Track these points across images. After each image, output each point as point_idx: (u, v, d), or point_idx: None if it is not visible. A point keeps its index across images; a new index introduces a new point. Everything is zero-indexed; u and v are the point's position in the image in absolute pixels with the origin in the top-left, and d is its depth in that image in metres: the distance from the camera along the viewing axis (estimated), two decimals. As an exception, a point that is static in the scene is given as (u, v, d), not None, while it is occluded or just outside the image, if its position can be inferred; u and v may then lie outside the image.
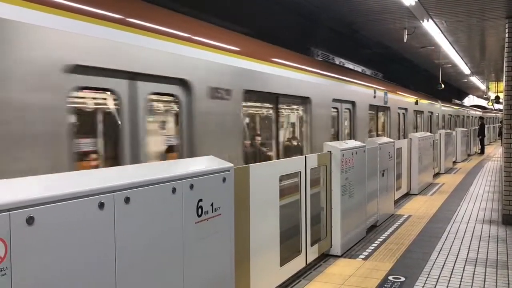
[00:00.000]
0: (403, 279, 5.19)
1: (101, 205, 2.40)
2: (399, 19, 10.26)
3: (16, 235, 1.99)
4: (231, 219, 3.61)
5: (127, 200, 2.57)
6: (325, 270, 5.51)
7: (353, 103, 9.46)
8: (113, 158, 3.92)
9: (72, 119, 3.50)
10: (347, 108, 9.37)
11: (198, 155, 4.46)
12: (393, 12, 9.58)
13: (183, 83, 4.50)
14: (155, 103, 4.52)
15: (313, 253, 5.60)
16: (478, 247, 6.46)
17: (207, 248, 3.30)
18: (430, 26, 10.42)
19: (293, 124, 7.94)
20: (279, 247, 4.72)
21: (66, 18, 3.37)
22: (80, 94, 3.67)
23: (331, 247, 6.09)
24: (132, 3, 4.31)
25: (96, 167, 3.80)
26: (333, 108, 8.59)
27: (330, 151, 6.04)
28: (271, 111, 6.88)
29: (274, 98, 6.65)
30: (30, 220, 2.05)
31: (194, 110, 4.57)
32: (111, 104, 3.99)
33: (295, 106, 7.61)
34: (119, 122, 3.91)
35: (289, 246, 5.11)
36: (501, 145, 10.03)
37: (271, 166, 4.78)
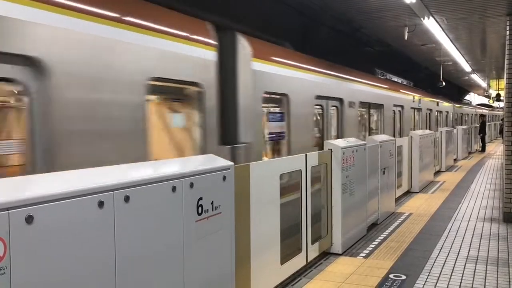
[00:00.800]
0: (404, 277, 5.18)
1: (101, 204, 2.40)
2: (400, 16, 10.23)
3: (15, 234, 1.99)
4: (232, 218, 3.60)
5: (126, 199, 2.56)
6: (326, 268, 5.50)
7: (401, 107, 12.96)
8: None
9: None
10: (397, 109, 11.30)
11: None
12: (394, 9, 9.54)
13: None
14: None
15: (313, 251, 5.59)
16: (479, 245, 6.45)
17: (207, 246, 3.30)
18: (430, 24, 10.39)
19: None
20: (280, 245, 4.72)
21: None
22: None
23: (331, 245, 6.08)
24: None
25: None
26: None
27: (331, 149, 6.03)
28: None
29: None
30: (29, 219, 2.04)
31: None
32: None
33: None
34: None
35: (289, 244, 5.10)
36: (502, 143, 10.02)
37: (271, 164, 4.77)
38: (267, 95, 5.81)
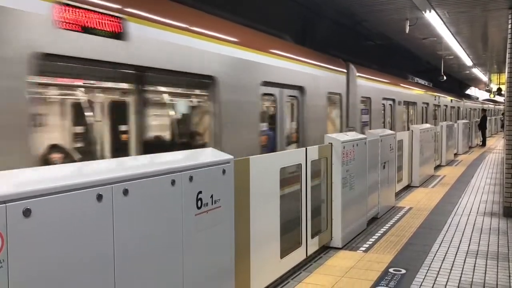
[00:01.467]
0: (403, 271, 5.18)
1: (99, 197, 2.38)
2: (401, 9, 10.18)
3: (12, 227, 1.97)
4: (231, 211, 3.59)
5: (125, 192, 2.54)
6: (326, 262, 5.50)
7: (427, 104, 16.97)
8: None
9: None
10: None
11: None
12: (395, 2, 9.50)
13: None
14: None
15: (313, 245, 5.59)
16: (479, 240, 6.45)
17: (207, 240, 3.29)
18: (432, 17, 10.34)
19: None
20: (280, 239, 4.71)
21: None
22: None
23: (331, 239, 6.08)
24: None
25: None
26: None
27: (331, 143, 6.01)
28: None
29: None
30: (27, 212, 2.03)
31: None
32: None
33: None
34: None
35: (289, 238, 5.10)
36: (503, 137, 10.01)
37: (271, 158, 4.75)
38: (363, 98, 10.24)
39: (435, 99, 18.81)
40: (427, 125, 12.91)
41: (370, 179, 7.28)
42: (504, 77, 9.86)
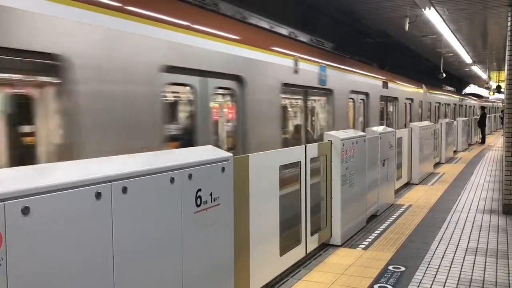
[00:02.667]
0: (403, 268, 5.18)
1: (98, 195, 2.37)
2: (401, 7, 10.17)
3: (11, 225, 1.97)
4: (231, 209, 3.59)
5: (124, 190, 2.54)
6: (325, 260, 5.50)
7: (454, 104, 24.16)
8: None
9: None
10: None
11: None
12: (394, 0, 9.48)
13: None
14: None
15: (313, 243, 5.59)
16: (479, 237, 6.45)
17: (206, 238, 3.28)
18: (432, 15, 10.32)
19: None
20: (279, 236, 4.71)
21: None
22: None
23: (331, 236, 6.08)
24: None
25: None
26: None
27: (331, 141, 6.01)
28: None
29: None
30: (25, 210, 2.02)
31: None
32: None
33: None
34: None
35: (288, 236, 5.10)
36: (502, 135, 10.01)
37: (271, 156, 4.75)
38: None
39: (459, 100, 25.62)
40: (427, 123, 12.92)
41: (370, 176, 7.28)
42: (504, 74, 9.85)
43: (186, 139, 4.96)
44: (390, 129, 8.82)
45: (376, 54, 14.25)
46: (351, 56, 10.99)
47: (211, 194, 3.31)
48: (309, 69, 7.53)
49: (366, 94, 10.69)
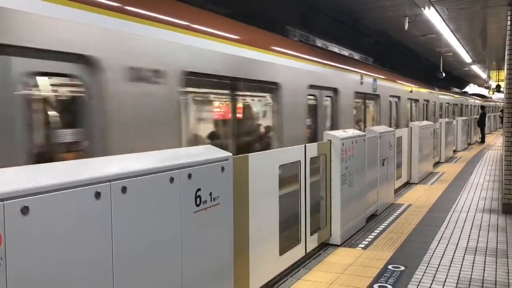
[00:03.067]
0: (402, 268, 5.18)
1: (98, 195, 2.37)
2: (400, 6, 10.17)
3: (10, 225, 1.97)
4: (230, 209, 3.59)
5: (124, 189, 2.53)
6: (325, 259, 5.50)
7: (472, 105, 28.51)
8: None
9: None
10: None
11: None
12: (394, -1, 9.49)
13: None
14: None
15: (312, 242, 5.59)
16: (478, 236, 6.46)
17: (205, 238, 3.28)
18: (431, 14, 10.32)
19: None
20: (279, 236, 4.71)
21: None
22: None
23: (330, 236, 6.08)
24: None
25: None
26: None
27: (330, 140, 6.01)
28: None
29: None
30: (25, 210, 2.02)
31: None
32: None
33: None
34: None
35: (288, 235, 5.10)
36: (502, 134, 10.01)
37: (270, 155, 4.75)
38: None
39: (474, 101, 32.07)
40: (427, 122, 12.93)
41: (369, 176, 7.28)
42: (503, 74, 9.86)
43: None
44: (389, 128, 8.83)
45: (375, 53, 14.24)
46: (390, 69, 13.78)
47: (210, 194, 3.31)
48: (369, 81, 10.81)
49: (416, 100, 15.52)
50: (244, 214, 4.04)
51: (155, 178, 2.79)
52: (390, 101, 12.67)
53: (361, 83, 10.04)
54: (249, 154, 4.18)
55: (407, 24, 11.02)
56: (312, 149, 5.57)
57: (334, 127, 8.60)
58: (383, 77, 12.13)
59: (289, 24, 8.15)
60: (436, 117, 19.05)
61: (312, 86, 7.73)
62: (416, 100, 16.04)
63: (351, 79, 9.48)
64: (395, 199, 9.04)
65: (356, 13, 10.92)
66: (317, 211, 5.92)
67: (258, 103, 6.90)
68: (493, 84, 32.03)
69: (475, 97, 36.62)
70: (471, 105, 31.65)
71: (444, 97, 21.95)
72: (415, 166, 11.05)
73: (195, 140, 5.23)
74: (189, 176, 3.09)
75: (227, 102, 5.85)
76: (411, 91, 15.03)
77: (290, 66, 6.96)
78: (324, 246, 5.99)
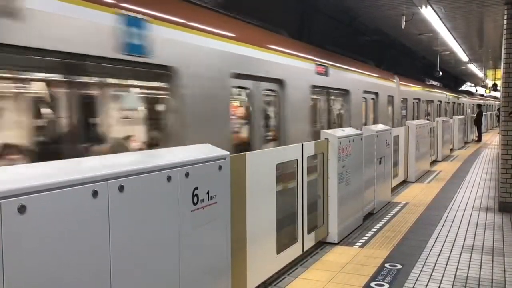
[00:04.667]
0: (399, 266, 5.20)
1: (95, 194, 2.37)
2: (397, 5, 10.18)
3: (7, 224, 1.96)
4: (228, 207, 3.59)
5: (121, 188, 2.53)
6: (322, 258, 5.51)
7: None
8: None
9: None
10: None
11: None
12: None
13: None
14: None
15: (309, 241, 5.60)
16: (475, 235, 6.48)
17: (203, 236, 3.28)
18: (428, 13, 10.34)
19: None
20: (276, 234, 4.71)
21: None
22: None
23: (327, 234, 6.09)
24: None
25: None
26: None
27: (327, 139, 6.01)
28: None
29: None
30: (22, 209, 2.02)
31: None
32: None
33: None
34: None
35: (285, 234, 5.11)
36: (498, 133, 10.04)
37: (268, 154, 4.75)
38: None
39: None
40: (423, 121, 12.95)
41: (366, 174, 7.29)
42: (500, 72, 9.89)
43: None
44: (387, 127, 8.84)
45: (373, 52, 14.26)
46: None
47: (208, 193, 3.31)
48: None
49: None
50: (242, 212, 4.04)
51: (152, 177, 2.78)
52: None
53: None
54: (247, 152, 4.18)
55: (404, 22, 11.03)
56: (310, 147, 5.58)
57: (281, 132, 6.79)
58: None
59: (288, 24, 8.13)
60: (396, 120, 13.43)
61: (239, 75, 5.66)
62: (344, 92, 9.49)
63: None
64: (392, 198, 9.06)
65: (353, 11, 10.93)
66: (314, 209, 5.93)
67: (132, 97, 4.56)
68: (490, 83, 32.12)
69: (465, 94, 30.93)
70: (462, 104, 27.67)
71: (409, 89, 15.47)
72: (412, 165, 11.08)
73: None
74: (187, 174, 3.09)
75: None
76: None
77: (195, 45, 4.86)
78: (321, 244, 6.00)
